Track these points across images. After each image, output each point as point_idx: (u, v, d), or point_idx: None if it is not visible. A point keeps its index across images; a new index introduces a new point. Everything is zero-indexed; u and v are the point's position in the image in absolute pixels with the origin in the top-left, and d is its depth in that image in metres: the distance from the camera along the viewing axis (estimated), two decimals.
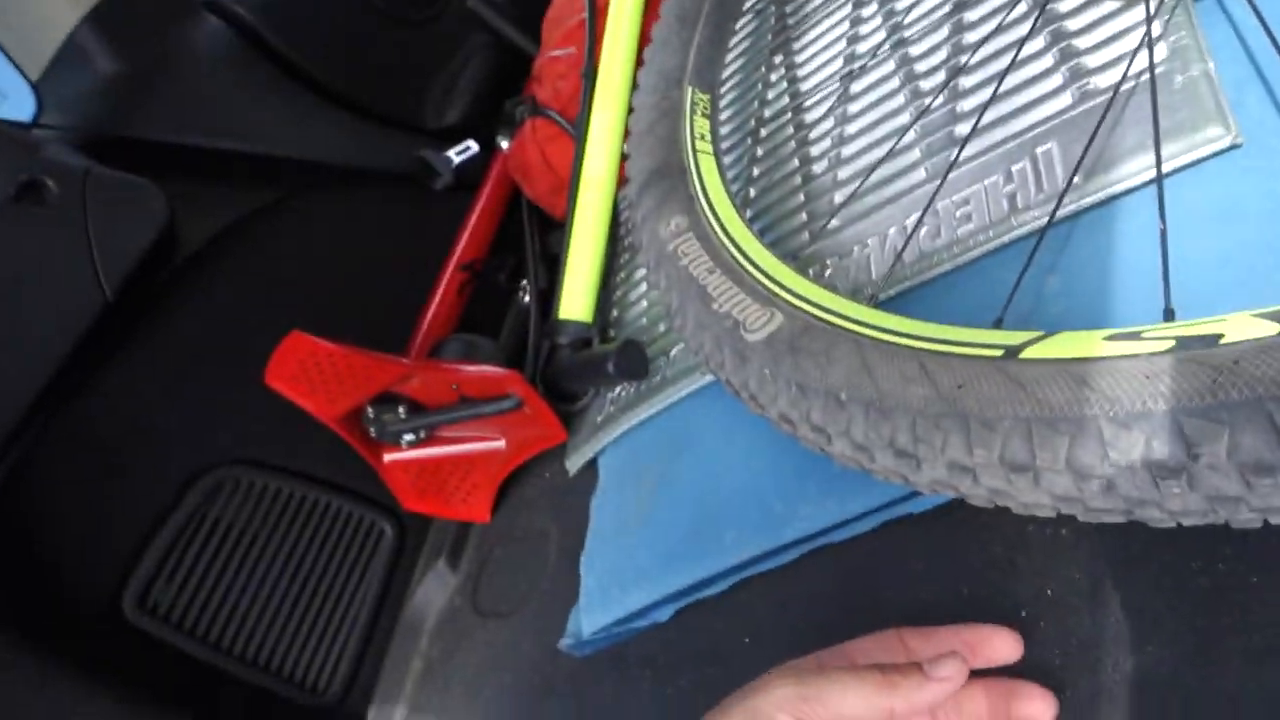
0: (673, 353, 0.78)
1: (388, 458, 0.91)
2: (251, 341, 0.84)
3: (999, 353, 0.44)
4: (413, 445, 0.89)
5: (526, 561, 0.85)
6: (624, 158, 0.89)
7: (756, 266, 0.58)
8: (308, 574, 0.96)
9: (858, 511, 0.58)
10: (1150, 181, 0.54)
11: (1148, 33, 0.55)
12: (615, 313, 0.90)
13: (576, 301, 0.86)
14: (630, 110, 0.78)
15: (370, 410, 0.87)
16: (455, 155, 1.20)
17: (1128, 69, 0.56)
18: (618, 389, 0.83)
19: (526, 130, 1.04)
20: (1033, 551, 0.51)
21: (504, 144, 1.15)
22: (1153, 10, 0.57)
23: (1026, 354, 0.43)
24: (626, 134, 0.87)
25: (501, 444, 0.90)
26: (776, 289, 0.56)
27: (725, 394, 0.59)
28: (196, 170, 1.10)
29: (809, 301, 0.54)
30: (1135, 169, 0.54)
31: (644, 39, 0.91)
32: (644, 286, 0.88)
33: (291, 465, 0.99)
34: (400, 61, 1.27)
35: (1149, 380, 0.37)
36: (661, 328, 0.81)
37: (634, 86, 0.79)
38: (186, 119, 1.10)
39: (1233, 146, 0.51)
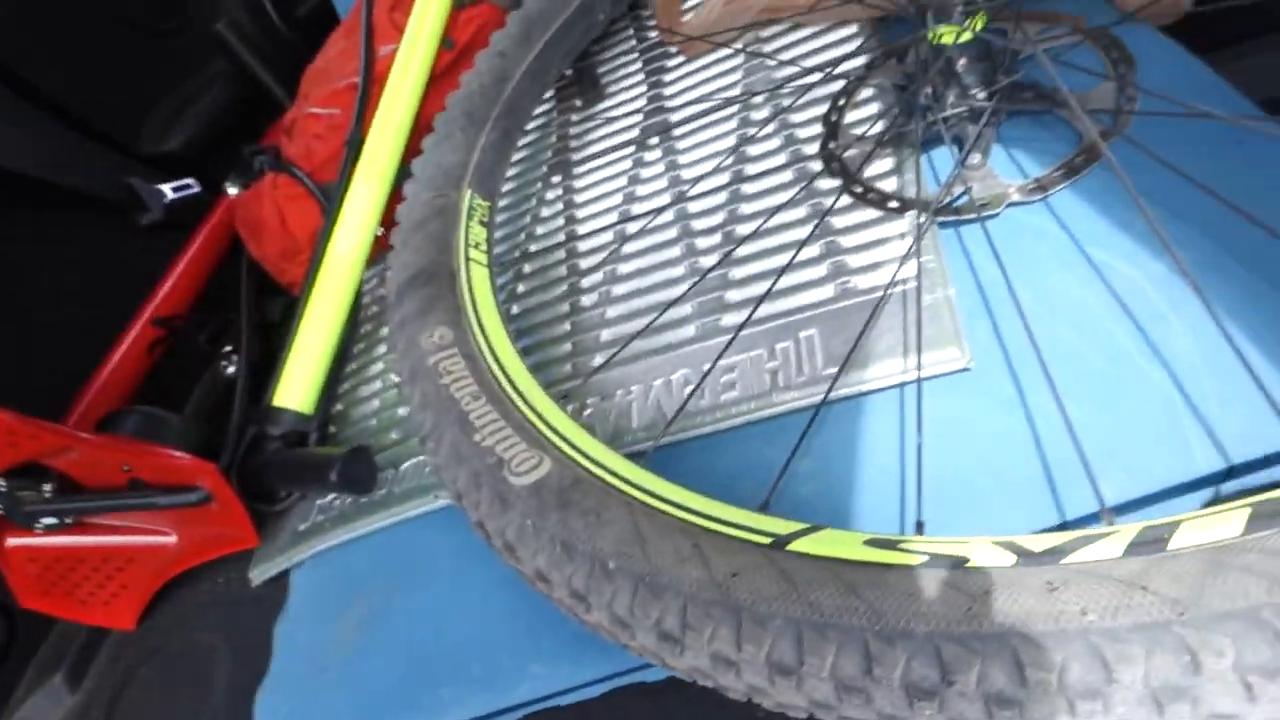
0: (404, 466, 0.72)
1: (11, 541, 0.74)
2: None
3: (768, 540, 0.44)
4: (51, 530, 0.73)
5: (182, 687, 0.72)
6: (376, 238, 0.84)
7: (526, 401, 0.55)
8: None
9: (593, 677, 0.55)
10: (894, 385, 0.58)
11: (918, 247, 0.60)
12: (340, 407, 0.81)
13: (297, 389, 0.77)
14: (400, 198, 0.73)
15: (3, 482, 0.70)
16: (170, 190, 1.06)
17: (895, 273, 0.61)
18: (331, 497, 0.74)
19: (265, 184, 0.94)
20: None
21: (232, 190, 1.04)
22: (908, 230, 0.64)
23: (794, 546, 0.43)
24: (386, 220, 0.81)
25: (172, 540, 0.76)
26: (547, 431, 0.53)
27: (460, 524, 0.55)
28: None
29: (581, 451, 0.51)
30: (885, 372, 0.58)
31: (421, 125, 0.87)
32: (378, 384, 0.81)
33: None
34: (125, 69, 1.10)
35: (911, 599, 0.38)
36: (394, 435, 0.75)
37: (406, 174, 0.74)
38: None
39: (964, 369, 0.57)
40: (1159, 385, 0.52)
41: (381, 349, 0.84)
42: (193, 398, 0.88)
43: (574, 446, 0.51)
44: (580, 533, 0.45)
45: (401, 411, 0.77)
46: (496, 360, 0.58)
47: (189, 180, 1.07)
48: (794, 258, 0.64)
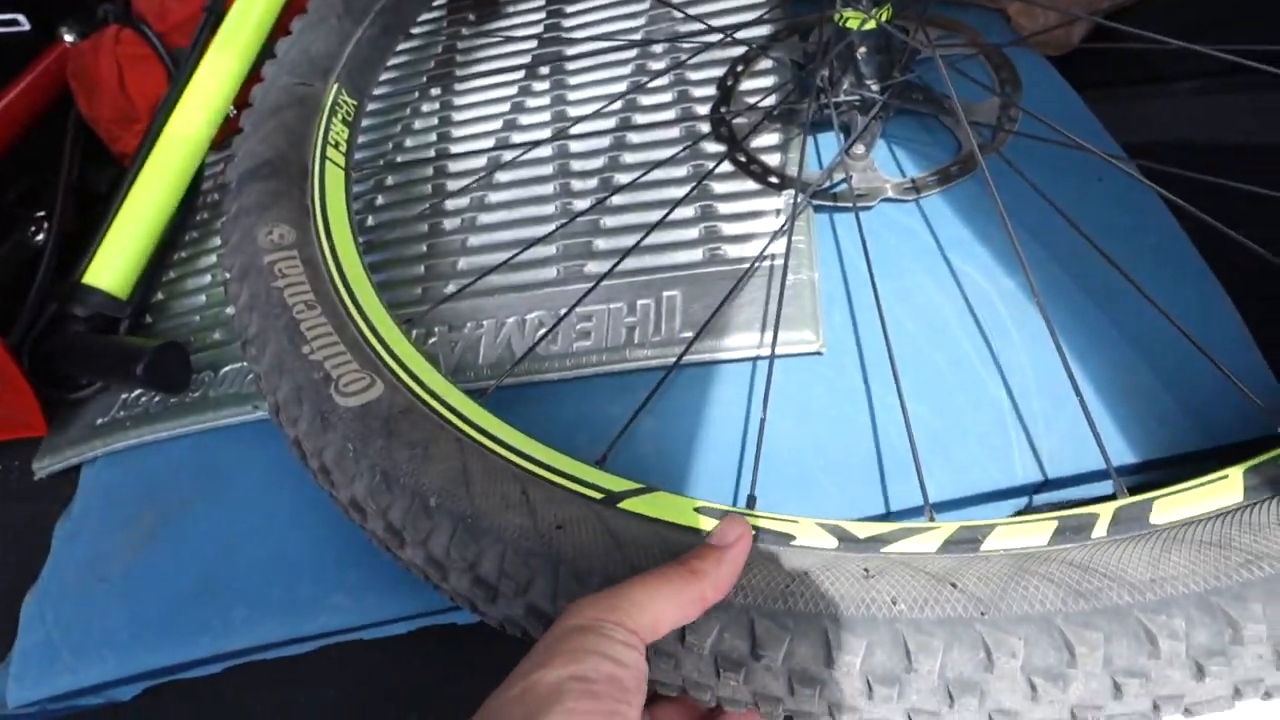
0: (224, 370, 0.66)
1: None
2: None
3: (600, 495, 0.43)
4: None
5: None
6: (227, 119, 0.77)
7: (366, 318, 0.51)
8: None
9: (399, 614, 0.52)
10: (746, 359, 0.58)
11: (791, 226, 0.60)
12: (160, 296, 0.74)
13: (112, 269, 0.70)
14: (257, 79, 0.67)
15: None
16: None
17: (766, 247, 0.60)
18: (138, 393, 0.68)
19: (107, 36, 0.84)
20: None
21: (69, 38, 0.92)
22: (783, 208, 0.63)
23: (625, 505, 0.42)
24: (240, 100, 0.74)
25: None
26: (383, 352, 0.49)
27: (276, 440, 0.51)
28: None
29: (416, 379, 0.48)
30: (740, 343, 0.58)
31: (294, 3, 0.80)
32: (207, 279, 0.74)
33: None
34: None
35: None
36: (218, 335, 0.69)
37: (269, 54, 0.68)
38: None
39: (817, 353, 0.57)
40: (992, 394, 0.54)
41: (216, 241, 0.77)
42: None
43: (410, 373, 0.48)
44: (404, 464, 0.42)
45: (229, 311, 0.70)
46: (339, 270, 0.54)
47: (17, 15, 0.95)
48: (667, 215, 0.63)
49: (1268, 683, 0.34)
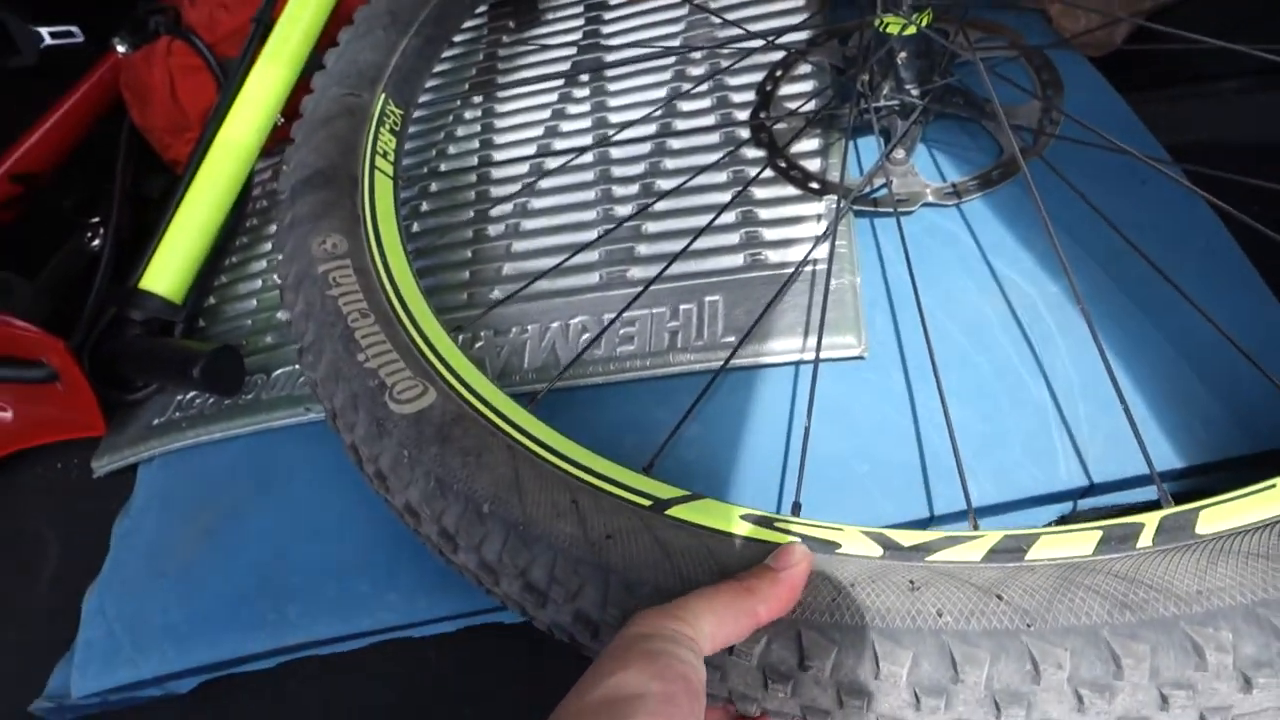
0: (276, 374, 0.68)
1: None
2: None
3: (648, 503, 0.44)
4: None
5: (3, 574, 0.66)
6: (275, 127, 0.78)
7: (417, 326, 0.52)
8: None
9: (450, 613, 0.54)
10: (789, 363, 0.59)
11: (833, 232, 0.60)
12: (213, 301, 0.76)
13: (167, 274, 0.72)
14: (308, 90, 0.68)
15: None
16: (48, 34, 0.96)
17: (809, 253, 0.61)
18: (192, 395, 0.70)
19: (159, 47, 0.86)
20: None
21: (121, 49, 0.95)
22: (825, 213, 0.64)
23: (672, 512, 0.43)
24: (288, 109, 0.76)
25: (8, 416, 0.70)
26: (435, 360, 0.50)
27: (328, 441, 0.52)
28: None
29: (468, 386, 0.49)
30: (783, 348, 0.58)
31: (339, 15, 0.81)
32: (258, 284, 0.76)
33: None
34: None
35: None
36: (269, 339, 0.71)
37: (318, 64, 0.69)
38: None
39: (859, 357, 0.58)
40: (1036, 398, 0.54)
41: (266, 246, 0.79)
42: (49, 266, 0.81)
43: (461, 380, 0.49)
44: (457, 471, 0.44)
45: (280, 315, 0.73)
46: (390, 278, 0.55)
47: (71, 28, 0.97)
48: (713, 220, 0.63)
49: None
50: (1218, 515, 0.39)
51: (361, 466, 0.48)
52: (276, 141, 0.80)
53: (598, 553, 0.40)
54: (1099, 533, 0.40)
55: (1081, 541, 0.40)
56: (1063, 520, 0.54)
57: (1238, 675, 0.33)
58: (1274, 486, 0.40)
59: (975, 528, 0.47)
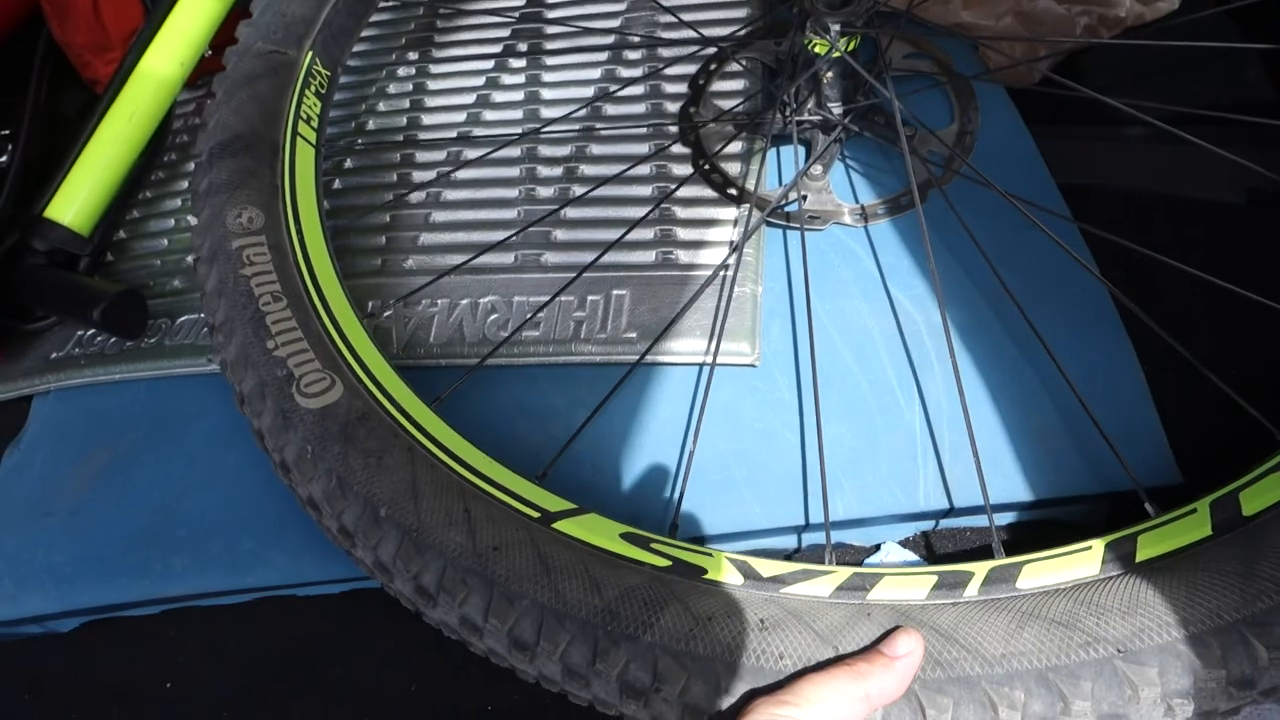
0: (180, 319, 0.68)
1: None
2: None
3: (536, 515, 0.47)
4: None
5: None
6: (202, 59, 0.76)
7: (329, 311, 0.54)
8: None
9: (336, 576, 0.57)
10: (685, 364, 0.62)
11: (740, 241, 0.63)
12: (122, 235, 0.75)
13: (76, 205, 0.70)
14: (237, 19, 0.66)
15: None
16: None
17: (726, 258, 0.63)
18: (93, 332, 0.69)
19: None
20: (489, 668, 0.55)
21: None
22: (738, 219, 0.66)
23: (558, 525, 0.47)
24: (219, 39, 0.73)
25: None
26: (344, 349, 0.52)
27: (229, 393, 0.53)
28: None
29: (375, 380, 0.51)
30: (682, 349, 0.61)
31: None
32: (171, 222, 0.75)
33: None
34: None
35: (646, 609, 0.42)
36: (178, 283, 0.70)
37: (245, 11, 0.67)
38: None
39: (751, 365, 0.61)
40: (907, 421, 0.59)
41: (183, 184, 0.78)
42: None
43: (369, 373, 0.51)
44: (359, 472, 0.46)
45: (190, 260, 0.72)
46: (306, 258, 0.56)
47: None
48: (643, 219, 0.65)
49: None
50: (1038, 570, 0.45)
51: (267, 452, 0.50)
52: (204, 72, 0.77)
53: (484, 564, 0.43)
54: (934, 578, 0.45)
55: (918, 585, 0.45)
56: (924, 536, 0.59)
57: None
58: (1089, 549, 0.46)
59: (830, 547, 0.52)
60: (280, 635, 0.58)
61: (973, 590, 0.44)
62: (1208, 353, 0.53)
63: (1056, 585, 0.44)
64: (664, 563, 0.45)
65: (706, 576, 0.45)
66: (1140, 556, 0.44)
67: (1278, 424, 0.49)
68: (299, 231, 0.57)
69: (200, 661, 0.58)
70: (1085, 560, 0.45)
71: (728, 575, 0.45)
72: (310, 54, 0.65)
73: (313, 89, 0.64)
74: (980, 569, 0.45)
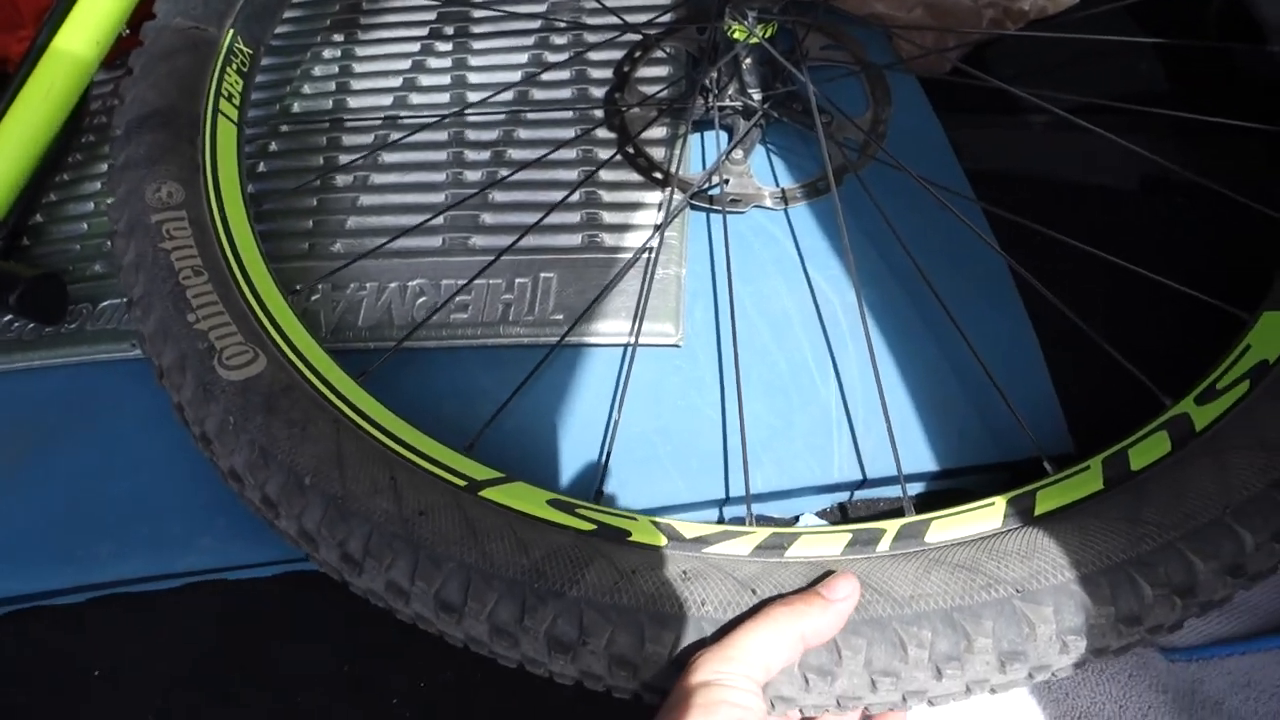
0: (102, 304, 0.67)
1: None
2: None
3: (463, 483, 0.47)
4: None
5: None
6: (120, 37, 0.74)
7: (252, 286, 0.53)
8: None
9: (266, 559, 0.56)
10: (610, 345, 0.63)
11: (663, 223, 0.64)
12: (39, 219, 0.73)
13: None
14: (150, 16, 0.65)
15: None
16: None
17: (649, 240, 0.65)
18: (9, 319, 0.68)
19: None
20: (421, 646, 0.54)
21: None
22: (662, 203, 0.68)
23: (485, 493, 0.47)
24: (136, 18, 0.72)
25: None
26: (268, 324, 0.52)
27: (150, 379, 0.53)
28: None
29: (298, 352, 0.51)
30: (607, 330, 0.63)
31: None
32: (90, 205, 0.73)
33: None
34: None
35: (571, 566, 0.43)
36: (98, 267, 0.69)
37: None
38: None
39: (675, 345, 0.63)
40: (822, 397, 0.61)
41: (101, 166, 0.76)
42: None
43: (293, 347, 0.51)
44: (282, 442, 0.46)
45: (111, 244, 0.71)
46: (228, 233, 0.55)
47: None
48: (565, 199, 0.66)
49: (992, 682, 0.42)
50: (945, 525, 0.47)
51: (188, 427, 0.50)
52: (121, 52, 0.76)
53: (410, 529, 0.44)
54: (849, 535, 0.47)
55: (834, 542, 0.47)
56: (841, 508, 0.62)
57: (932, 666, 0.41)
58: (992, 504, 0.48)
59: (751, 517, 0.54)
60: (211, 620, 0.58)
61: (885, 545, 0.46)
62: (1099, 326, 0.56)
63: (962, 538, 0.46)
64: (589, 526, 0.47)
65: (631, 539, 0.46)
66: (1039, 510, 0.46)
67: (1161, 389, 0.52)
68: (221, 207, 0.56)
69: (130, 648, 0.57)
70: (988, 515, 0.47)
71: (651, 537, 0.46)
72: (231, 31, 0.65)
73: (234, 67, 0.64)
74: (891, 526, 0.47)
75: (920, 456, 0.58)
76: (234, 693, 0.56)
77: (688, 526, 0.48)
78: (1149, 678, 0.55)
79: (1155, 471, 0.46)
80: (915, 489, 0.60)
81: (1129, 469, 0.47)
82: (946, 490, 0.61)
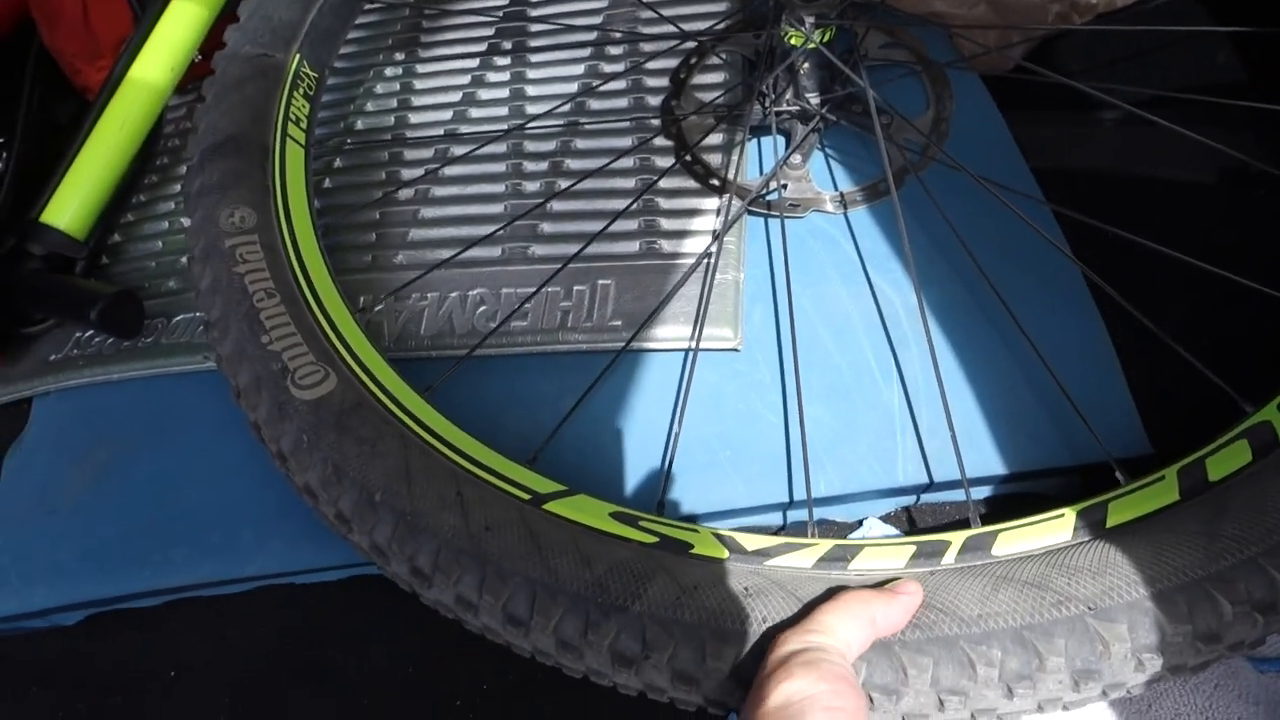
0: (176, 319, 0.69)
1: None
2: None
3: (527, 497, 0.48)
4: None
5: None
6: (192, 64, 0.77)
7: (321, 306, 0.55)
8: None
9: (334, 563, 0.58)
10: (670, 350, 0.63)
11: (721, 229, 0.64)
12: (117, 239, 0.76)
13: (71, 208, 0.71)
14: (225, 23, 0.67)
15: None
16: None
17: (710, 247, 0.65)
18: (90, 333, 0.71)
19: None
20: (484, 648, 0.56)
21: None
22: (720, 208, 0.68)
23: (548, 506, 0.48)
24: (209, 45, 0.74)
25: None
26: (337, 342, 0.53)
27: (224, 389, 0.55)
28: None
29: (367, 371, 0.53)
30: (666, 335, 0.63)
31: None
32: (164, 225, 0.76)
33: None
34: None
35: (634, 581, 0.44)
36: (173, 284, 0.72)
37: (232, 16, 0.69)
38: None
39: (734, 349, 0.63)
40: (885, 401, 0.60)
41: (175, 187, 0.79)
42: None
43: (361, 365, 0.53)
44: (353, 459, 0.48)
45: (184, 260, 0.73)
46: (298, 255, 0.57)
47: None
48: (626, 209, 0.66)
49: (1065, 700, 0.42)
50: (1012, 538, 0.46)
51: (265, 444, 0.51)
52: (194, 77, 0.79)
53: (477, 544, 0.45)
54: (913, 547, 0.47)
55: (898, 555, 0.46)
56: (906, 512, 0.61)
57: (1003, 686, 0.40)
58: (1062, 516, 0.47)
59: (812, 522, 0.53)
60: (280, 622, 0.60)
61: (950, 558, 0.46)
62: (1176, 328, 0.54)
63: (1030, 551, 0.45)
64: (651, 539, 0.47)
65: (693, 551, 0.47)
66: (1111, 522, 0.45)
67: (1242, 395, 0.50)
68: (290, 230, 0.58)
69: (202, 650, 0.59)
70: (1058, 527, 0.46)
71: (713, 549, 0.47)
72: (298, 57, 0.66)
73: (301, 91, 0.66)
74: (957, 538, 0.47)
75: (987, 460, 0.57)
76: (300, 692, 0.57)
77: (749, 538, 0.48)
78: (1237, 688, 0.53)
79: (1235, 482, 0.44)
80: (982, 493, 0.59)
81: (1206, 479, 0.45)
82: (1015, 495, 0.59)
